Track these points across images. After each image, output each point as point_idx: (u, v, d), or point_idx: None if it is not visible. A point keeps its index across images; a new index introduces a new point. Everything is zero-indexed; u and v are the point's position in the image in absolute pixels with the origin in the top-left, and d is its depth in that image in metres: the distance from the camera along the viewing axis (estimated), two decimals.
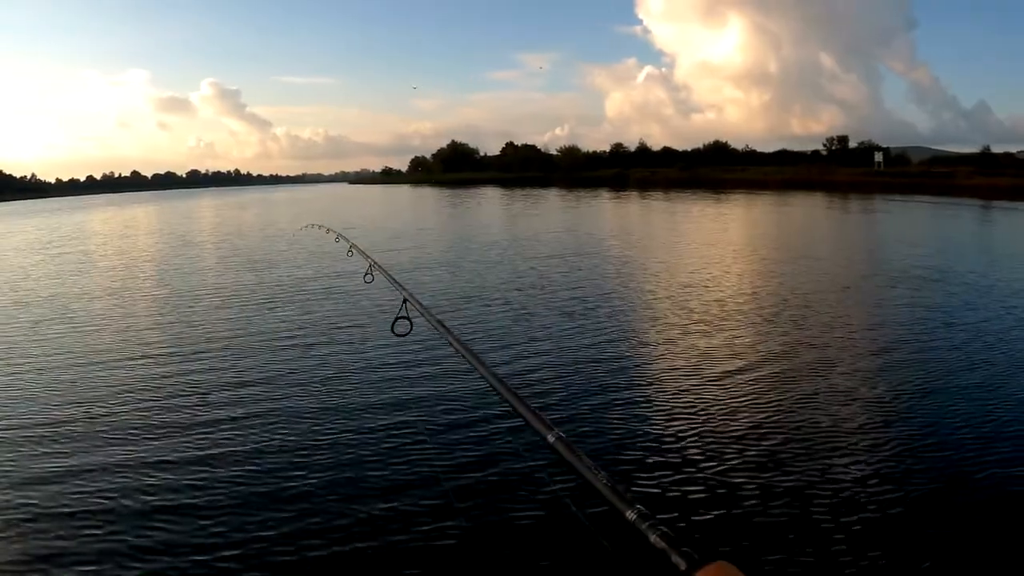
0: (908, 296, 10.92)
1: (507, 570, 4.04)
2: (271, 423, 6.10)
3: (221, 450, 5.54)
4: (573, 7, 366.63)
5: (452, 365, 7.55)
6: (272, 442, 5.68)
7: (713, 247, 18.69)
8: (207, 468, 5.24)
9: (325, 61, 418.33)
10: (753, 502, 4.51)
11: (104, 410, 6.63)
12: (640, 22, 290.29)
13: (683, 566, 0.96)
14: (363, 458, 5.44)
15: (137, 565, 3.99)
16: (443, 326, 2.39)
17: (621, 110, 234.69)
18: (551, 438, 1.37)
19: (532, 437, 1.43)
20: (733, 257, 16.56)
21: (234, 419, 6.22)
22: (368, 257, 4.80)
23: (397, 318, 2.82)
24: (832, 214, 32.55)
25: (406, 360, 7.88)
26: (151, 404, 6.71)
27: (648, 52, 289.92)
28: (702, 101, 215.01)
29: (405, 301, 2.91)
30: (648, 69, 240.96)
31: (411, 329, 2.84)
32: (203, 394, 6.98)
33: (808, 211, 34.48)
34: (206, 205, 68.34)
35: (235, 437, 5.81)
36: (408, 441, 5.81)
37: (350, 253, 6.23)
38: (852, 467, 4.94)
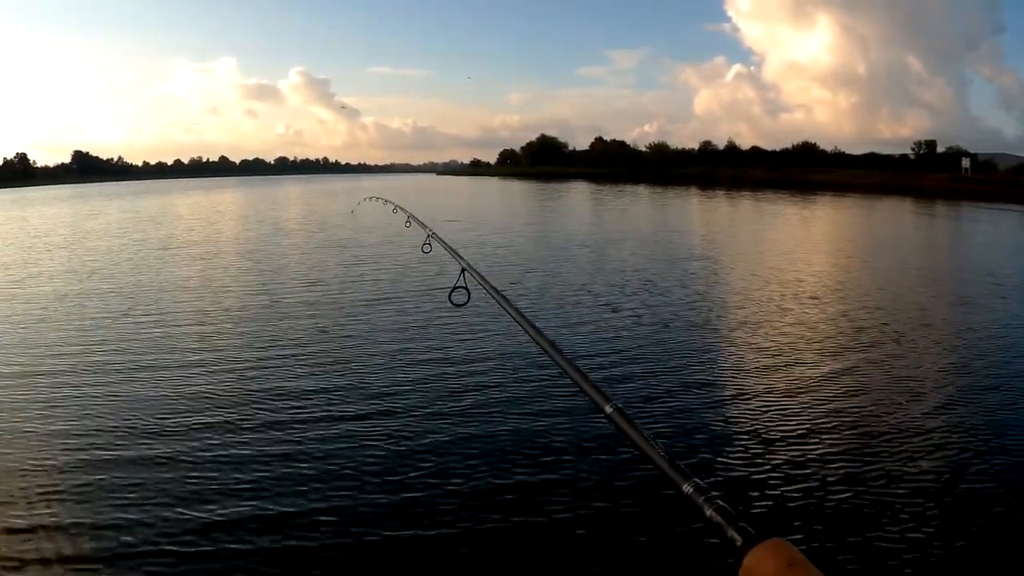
0: None
1: (562, 539, 4.11)
2: (333, 392, 6.59)
3: (294, 411, 6.11)
4: (662, 3, 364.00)
5: (510, 335, 7.64)
6: (334, 409, 6.12)
7: (820, 254, 19.08)
8: (285, 432, 5.67)
9: (414, 53, 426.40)
10: (834, 491, 4.63)
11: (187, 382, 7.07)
12: (729, 19, 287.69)
13: (739, 541, 0.94)
14: (419, 426, 5.60)
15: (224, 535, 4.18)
16: (501, 296, 2.34)
17: (709, 108, 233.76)
18: (608, 409, 1.36)
19: (589, 408, 1.40)
20: (845, 265, 16.46)
21: (298, 388, 6.78)
22: (426, 227, 4.74)
23: (455, 288, 2.84)
24: (927, 221, 33.46)
25: (464, 330, 8.10)
26: (225, 388, 6.99)
27: (736, 50, 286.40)
28: (790, 101, 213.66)
29: (463, 271, 2.91)
30: (737, 68, 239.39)
31: (469, 299, 2.87)
32: (273, 361, 7.76)
33: (903, 217, 35.38)
34: (294, 192, 69.22)
35: (300, 404, 6.33)
36: (464, 410, 5.89)
37: (408, 224, 6.10)
38: (934, 469, 5.01)
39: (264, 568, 3.99)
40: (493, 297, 2.39)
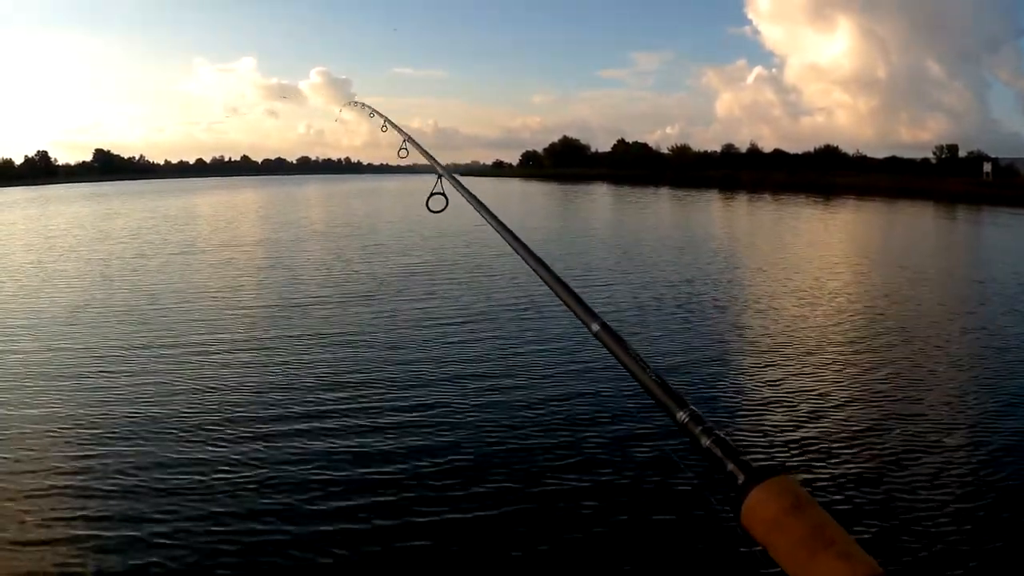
0: None
1: (542, 473, 4.01)
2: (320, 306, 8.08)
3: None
4: (684, 6, 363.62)
5: (490, 244, 7.33)
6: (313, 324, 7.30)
7: (866, 266, 18.42)
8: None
9: (435, 54, 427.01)
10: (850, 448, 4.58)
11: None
12: (749, 22, 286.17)
13: (741, 478, 0.83)
14: (400, 345, 5.67)
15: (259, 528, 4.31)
16: (479, 203, 2.23)
17: (731, 111, 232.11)
18: (595, 327, 1.23)
19: (575, 325, 1.26)
20: (898, 277, 15.99)
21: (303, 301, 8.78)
22: (402, 132, 4.51)
23: (432, 194, 2.69)
24: (961, 227, 33.38)
25: (441, 239, 8.02)
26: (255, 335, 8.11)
27: (757, 53, 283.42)
28: (811, 104, 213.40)
29: (440, 177, 2.76)
30: (758, 70, 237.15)
31: (447, 205, 2.69)
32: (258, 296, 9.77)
33: (936, 223, 35.29)
34: (316, 194, 69.32)
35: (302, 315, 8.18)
36: (443, 327, 5.77)
37: (384, 128, 5.86)
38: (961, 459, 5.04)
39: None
40: (471, 203, 2.28)
